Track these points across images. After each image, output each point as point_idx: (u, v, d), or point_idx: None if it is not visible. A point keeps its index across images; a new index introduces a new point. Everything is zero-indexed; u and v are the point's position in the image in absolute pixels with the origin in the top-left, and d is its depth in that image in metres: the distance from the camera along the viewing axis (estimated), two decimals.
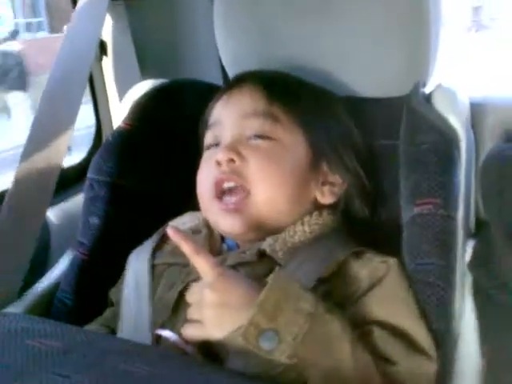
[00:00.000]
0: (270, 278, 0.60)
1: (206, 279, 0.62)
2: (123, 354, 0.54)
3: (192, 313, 0.63)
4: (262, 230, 0.73)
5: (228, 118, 0.77)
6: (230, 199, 0.73)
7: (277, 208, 0.73)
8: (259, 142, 0.74)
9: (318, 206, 0.76)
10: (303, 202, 0.75)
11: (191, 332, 0.63)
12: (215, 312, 0.60)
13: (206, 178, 0.76)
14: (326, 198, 0.77)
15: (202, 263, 0.63)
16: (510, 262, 0.64)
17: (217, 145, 0.76)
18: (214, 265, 0.63)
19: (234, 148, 0.73)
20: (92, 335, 0.60)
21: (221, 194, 0.73)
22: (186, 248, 0.64)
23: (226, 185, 0.73)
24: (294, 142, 0.75)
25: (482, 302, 0.69)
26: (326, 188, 0.77)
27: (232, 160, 0.72)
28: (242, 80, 0.81)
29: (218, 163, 0.73)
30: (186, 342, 0.64)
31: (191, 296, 0.64)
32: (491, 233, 0.68)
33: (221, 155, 0.73)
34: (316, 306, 0.59)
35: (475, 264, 0.71)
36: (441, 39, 0.85)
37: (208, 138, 0.79)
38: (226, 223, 0.73)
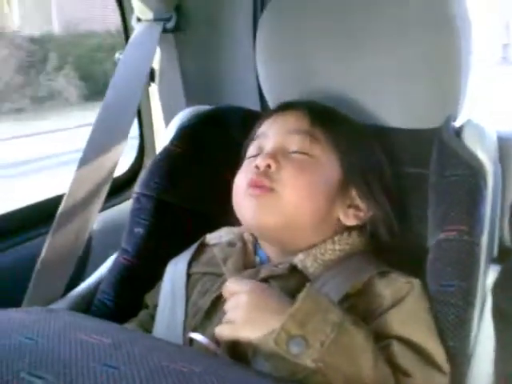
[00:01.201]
0: (303, 291, 0.64)
1: (244, 288, 0.68)
2: (165, 351, 0.57)
3: (226, 317, 0.68)
4: (290, 237, 0.78)
5: (273, 133, 0.83)
6: (260, 188, 0.77)
7: (301, 212, 0.77)
8: (297, 155, 0.79)
9: (343, 228, 0.81)
10: (328, 218, 0.79)
11: (224, 330, 0.67)
12: (249, 313, 0.65)
13: (241, 180, 0.81)
14: (350, 220, 0.81)
15: (235, 282, 0.70)
16: None
17: (259, 154, 0.81)
18: (249, 281, 0.70)
19: (274, 156, 0.79)
20: (135, 333, 0.65)
21: (253, 185, 0.78)
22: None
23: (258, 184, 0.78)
24: (328, 163, 0.80)
25: (502, 324, 0.71)
26: (351, 211, 0.81)
27: (269, 166, 0.78)
28: (289, 104, 0.87)
29: (257, 167, 0.78)
30: (217, 344, 0.68)
31: (227, 305, 0.69)
32: None
33: (260, 160, 0.78)
34: (343, 318, 0.63)
35: (498, 288, 0.73)
36: (471, 74, 0.88)
37: (251, 150, 0.85)
38: (252, 208, 0.77)
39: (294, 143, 0.80)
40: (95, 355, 0.53)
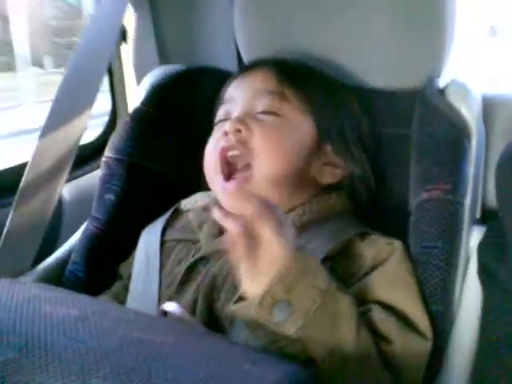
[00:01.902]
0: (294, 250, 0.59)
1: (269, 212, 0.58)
2: (135, 323, 0.55)
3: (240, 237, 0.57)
4: None
5: (239, 95, 0.80)
6: (234, 179, 0.74)
7: (280, 182, 0.74)
8: (266, 116, 0.77)
9: (321, 188, 0.78)
10: (304, 179, 0.77)
11: (236, 248, 0.58)
12: (263, 257, 0.57)
13: (212, 149, 0.78)
14: (326, 178, 0.78)
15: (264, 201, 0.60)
16: None
17: (227, 120, 0.79)
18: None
19: (242, 120, 0.76)
20: (105, 305, 0.62)
21: (226, 165, 0.75)
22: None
23: (230, 153, 0.75)
24: (300, 121, 0.78)
25: (488, 281, 0.69)
26: (327, 168, 0.79)
27: (239, 130, 0.75)
28: (256, 63, 0.84)
29: (225, 133, 0.76)
30: (191, 314, 0.66)
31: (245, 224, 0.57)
32: (504, 226, 0.69)
33: (228, 125, 0.76)
34: (329, 283, 0.60)
35: (483, 247, 0.72)
36: (456, 34, 0.85)
37: (219, 114, 0.82)
38: (227, 203, 0.72)
39: (262, 104, 0.78)
40: (60, 329, 0.51)
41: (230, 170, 0.75)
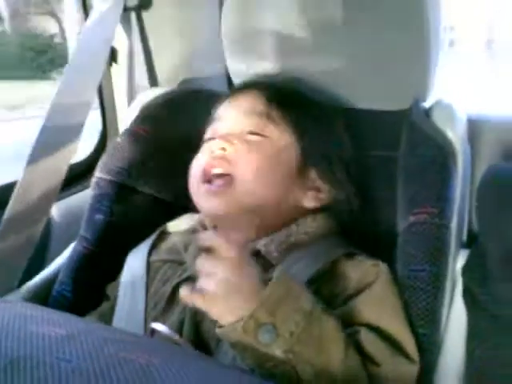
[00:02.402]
0: (274, 276, 0.61)
1: (227, 253, 0.61)
2: (122, 343, 0.55)
3: (200, 278, 0.61)
4: (250, 222, 0.75)
5: (229, 115, 0.81)
6: (215, 182, 0.75)
7: (258, 197, 0.75)
8: (252, 137, 0.77)
9: (306, 210, 0.78)
10: (286, 201, 0.77)
11: (193, 298, 0.60)
12: (225, 292, 0.59)
13: (197, 165, 0.79)
14: (309, 202, 0.78)
15: (224, 243, 0.62)
16: (503, 286, 0.65)
17: (214, 138, 0.79)
18: (242, 249, 0.63)
19: (228, 138, 0.77)
20: (92, 324, 0.62)
21: (208, 178, 0.76)
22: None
23: (214, 170, 0.76)
24: (285, 144, 0.78)
25: (472, 305, 0.70)
26: (311, 193, 0.79)
27: (223, 149, 0.76)
28: (247, 85, 0.85)
29: (211, 151, 0.76)
30: (179, 334, 0.65)
31: (202, 263, 0.62)
32: (485, 250, 0.70)
33: (214, 143, 0.77)
34: (314, 306, 0.60)
35: (467, 270, 0.73)
36: (440, 56, 0.87)
37: (208, 133, 0.83)
38: (209, 204, 0.75)
39: (249, 124, 0.78)
40: (46, 348, 0.50)
41: (210, 178, 0.76)
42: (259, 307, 0.58)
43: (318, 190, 0.79)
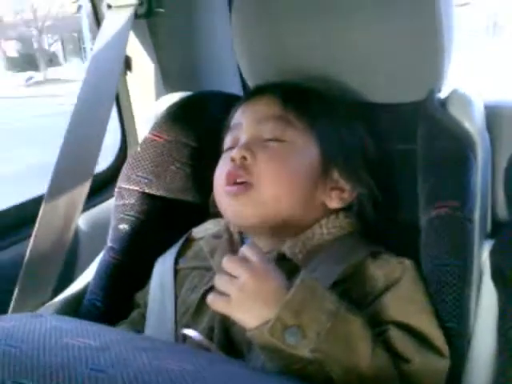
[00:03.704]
0: (298, 279, 0.62)
1: (252, 258, 0.64)
2: (154, 351, 0.56)
3: (222, 283, 0.63)
4: (274, 228, 0.76)
5: (246, 122, 0.80)
6: (237, 186, 0.75)
7: (281, 205, 0.75)
8: (272, 143, 0.77)
9: (329, 211, 0.78)
10: (311, 204, 0.77)
11: (217, 303, 0.63)
12: (247, 297, 0.62)
13: (219, 174, 0.80)
14: (334, 203, 0.78)
15: (252, 249, 0.65)
16: None
17: (234, 147, 0.79)
18: (263, 254, 0.65)
19: (248, 147, 0.76)
20: (125, 334, 0.63)
21: (231, 183, 0.76)
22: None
23: (237, 180, 0.76)
24: (305, 146, 0.78)
25: (504, 285, 0.69)
26: (335, 193, 0.79)
27: (244, 158, 0.76)
28: (262, 89, 0.85)
29: (232, 159, 0.77)
30: (211, 340, 0.66)
31: (227, 265, 0.64)
32: None
33: (235, 152, 0.76)
34: (339, 306, 0.61)
35: (496, 251, 0.72)
36: (454, 44, 0.86)
37: (227, 141, 0.83)
38: (232, 207, 0.76)
39: (268, 130, 0.78)
40: (81, 359, 0.51)
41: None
42: (284, 310, 0.59)
43: (341, 189, 0.79)
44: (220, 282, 0.64)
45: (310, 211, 0.77)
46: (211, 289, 0.72)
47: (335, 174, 0.79)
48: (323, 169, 0.78)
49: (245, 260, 0.64)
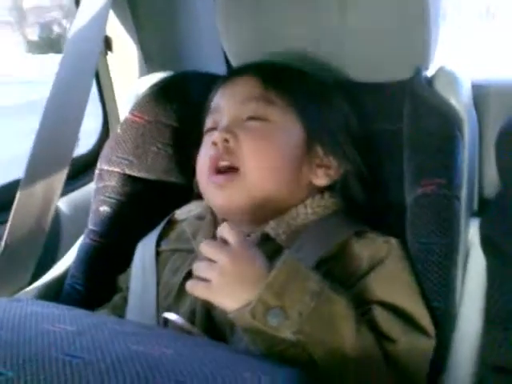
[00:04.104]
0: (281, 260, 0.61)
1: (231, 241, 0.62)
2: (134, 335, 0.55)
3: (201, 269, 0.63)
4: (260, 210, 0.74)
5: (226, 103, 0.79)
6: (222, 176, 0.74)
7: (268, 186, 0.74)
8: (253, 123, 0.76)
9: (315, 189, 0.77)
10: (297, 183, 0.76)
11: (197, 289, 0.62)
12: (228, 281, 0.61)
13: (202, 160, 0.78)
14: (320, 180, 0.77)
15: (229, 230, 0.64)
16: None
17: (215, 129, 0.78)
18: (241, 235, 0.64)
19: (230, 129, 0.75)
20: (103, 318, 0.62)
21: (216, 172, 0.75)
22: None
23: (221, 163, 0.75)
24: (287, 124, 0.77)
25: (493, 252, 0.69)
26: (321, 170, 0.78)
27: (226, 140, 0.74)
28: (241, 69, 0.84)
29: (214, 143, 0.75)
30: (192, 323, 0.65)
31: (205, 250, 0.63)
32: (510, 201, 0.68)
33: (217, 136, 0.75)
34: (322, 286, 0.60)
35: (489, 223, 0.71)
36: (441, 22, 0.85)
37: (208, 123, 0.82)
38: (218, 197, 0.75)
39: (248, 110, 0.77)
40: (57, 345, 0.51)
41: (218, 172, 0.75)
42: (266, 291, 0.58)
43: (327, 166, 0.78)
44: (199, 267, 0.63)
45: (296, 191, 0.76)
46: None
47: (320, 151, 0.78)
48: (307, 146, 0.77)
49: (224, 243, 0.63)
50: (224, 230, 0.64)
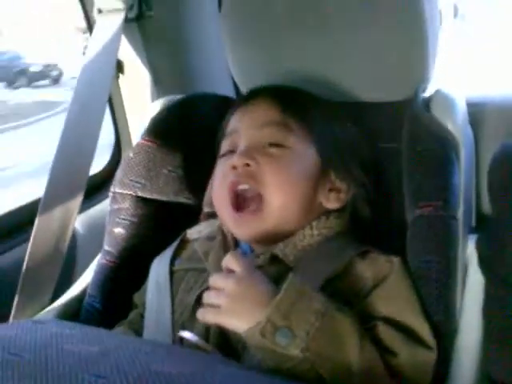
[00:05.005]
0: (286, 281, 0.65)
1: (236, 269, 0.67)
2: (153, 354, 0.58)
3: (210, 297, 0.67)
4: (275, 235, 0.77)
5: (244, 127, 0.80)
6: (246, 209, 0.76)
7: (289, 212, 0.77)
8: (273, 149, 0.78)
9: (323, 212, 0.80)
10: (311, 207, 0.79)
11: (207, 315, 0.67)
12: (236, 303, 0.65)
13: (221, 183, 0.80)
14: (332, 204, 0.80)
15: (233, 258, 0.68)
16: None
17: (232, 152, 0.80)
18: (246, 262, 0.68)
19: (250, 154, 0.77)
20: (123, 338, 0.65)
21: (236, 199, 0.77)
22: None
23: (241, 187, 0.77)
24: (304, 151, 0.79)
25: (489, 274, 0.71)
26: (332, 194, 0.80)
27: (247, 165, 0.76)
28: (256, 93, 0.85)
29: (234, 167, 0.77)
30: (207, 341, 0.69)
31: (212, 280, 0.68)
32: (500, 224, 0.71)
33: (236, 160, 0.77)
34: (327, 305, 0.64)
35: (484, 243, 0.74)
36: (438, 43, 0.88)
37: (224, 146, 0.83)
38: (241, 232, 0.78)
39: (268, 136, 0.78)
40: (82, 365, 0.53)
41: (239, 201, 0.77)
42: (274, 312, 0.62)
43: (338, 190, 0.81)
44: (208, 296, 0.67)
45: (308, 215, 0.79)
46: (206, 289, 0.75)
47: (332, 176, 0.81)
48: (321, 171, 0.80)
49: (230, 272, 0.67)
50: (229, 261, 0.68)
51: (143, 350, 0.59)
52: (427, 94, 0.86)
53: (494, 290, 0.70)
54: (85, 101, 0.98)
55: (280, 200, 0.76)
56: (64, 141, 0.93)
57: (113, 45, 1.05)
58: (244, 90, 0.97)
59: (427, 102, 0.83)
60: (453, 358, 0.72)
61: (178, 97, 1.00)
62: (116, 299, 0.89)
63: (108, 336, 0.63)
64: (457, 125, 0.80)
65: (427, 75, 0.87)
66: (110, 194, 0.94)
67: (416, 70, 0.86)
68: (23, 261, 0.86)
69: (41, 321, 0.73)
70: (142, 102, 1.16)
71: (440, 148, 0.77)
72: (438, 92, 0.84)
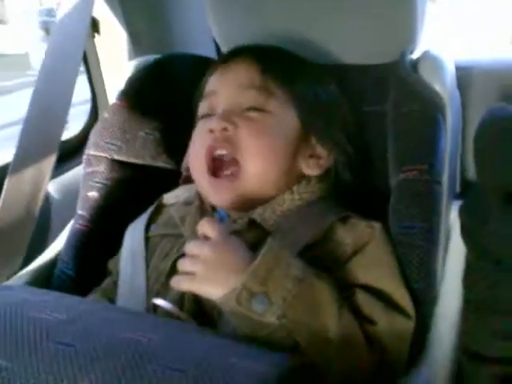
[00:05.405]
0: (264, 247, 0.63)
1: (211, 235, 0.65)
2: (123, 322, 0.56)
3: (185, 264, 0.65)
4: (253, 200, 0.75)
5: (223, 89, 0.78)
6: (223, 174, 0.74)
7: (267, 179, 0.75)
8: (253, 113, 0.75)
9: (304, 177, 0.78)
10: (290, 173, 0.77)
11: (182, 283, 0.64)
12: (211, 269, 0.62)
13: (198, 148, 0.77)
14: (312, 170, 0.78)
15: (208, 224, 0.66)
16: (504, 226, 0.65)
17: (210, 115, 0.77)
18: (221, 228, 0.66)
19: (228, 117, 0.74)
20: (93, 306, 0.63)
21: (212, 163, 0.75)
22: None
23: (218, 152, 0.74)
24: (285, 116, 0.77)
25: (471, 243, 0.70)
26: (313, 160, 0.78)
27: (225, 129, 0.74)
28: (237, 53, 0.82)
29: (211, 131, 0.74)
30: (181, 308, 0.67)
31: (188, 248, 0.65)
32: (485, 191, 0.69)
33: (215, 123, 0.74)
34: (305, 272, 0.62)
35: (467, 212, 0.72)
36: (428, 5, 0.85)
37: (202, 108, 0.80)
38: (217, 198, 0.75)
39: (248, 99, 0.76)
40: (49, 333, 0.52)
41: (216, 166, 0.75)
42: (250, 278, 0.60)
43: (318, 156, 0.78)
44: (183, 263, 0.65)
45: (288, 181, 0.76)
46: (182, 256, 0.73)
47: (313, 141, 0.78)
48: (301, 136, 0.77)
49: (205, 238, 0.65)
50: (204, 227, 0.65)
51: (112, 317, 0.58)
52: (415, 56, 0.83)
53: (475, 260, 0.69)
54: (58, 61, 0.94)
55: (258, 167, 0.74)
56: (35, 101, 0.89)
57: (88, 2, 1.00)
58: (225, 51, 0.92)
59: (415, 64, 0.81)
60: (432, 325, 0.71)
61: (155, 57, 0.96)
62: (89, 266, 0.87)
63: (77, 303, 0.61)
64: (445, 87, 0.78)
65: (415, 36, 0.84)
66: (84, 157, 0.91)
67: (403, 31, 0.84)
68: None
69: (9, 286, 0.71)
70: (119, 63, 1.12)
71: (426, 110, 0.75)
72: (426, 53, 0.82)
